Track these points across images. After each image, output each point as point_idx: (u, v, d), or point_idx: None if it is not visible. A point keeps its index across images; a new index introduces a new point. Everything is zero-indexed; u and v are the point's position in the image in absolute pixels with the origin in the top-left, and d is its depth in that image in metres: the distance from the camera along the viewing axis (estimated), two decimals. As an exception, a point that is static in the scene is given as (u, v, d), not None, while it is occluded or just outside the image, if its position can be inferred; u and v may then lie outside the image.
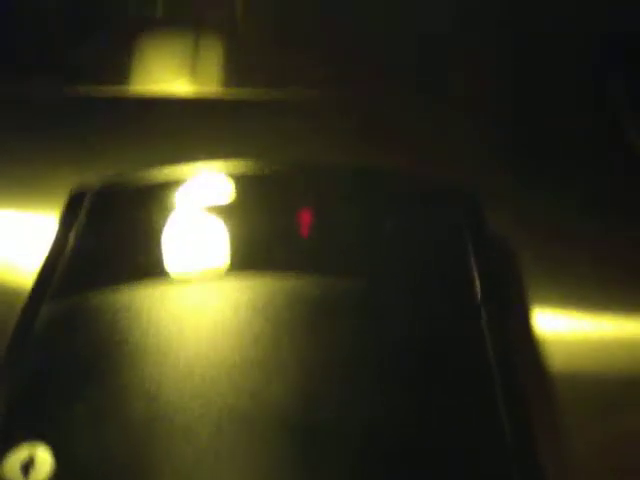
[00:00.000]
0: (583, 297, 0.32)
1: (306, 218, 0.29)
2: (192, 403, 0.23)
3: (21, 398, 0.24)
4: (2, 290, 0.32)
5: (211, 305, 0.26)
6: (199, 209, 0.30)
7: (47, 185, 0.37)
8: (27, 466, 0.22)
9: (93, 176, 0.36)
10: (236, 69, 0.46)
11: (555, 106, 0.42)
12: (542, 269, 0.33)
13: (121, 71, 0.45)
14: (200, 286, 0.27)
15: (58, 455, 0.22)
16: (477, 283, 0.28)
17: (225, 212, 0.30)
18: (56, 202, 0.34)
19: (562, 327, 0.31)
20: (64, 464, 0.22)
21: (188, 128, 0.41)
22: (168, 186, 0.31)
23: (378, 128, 0.40)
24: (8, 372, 0.25)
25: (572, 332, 0.31)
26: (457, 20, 0.47)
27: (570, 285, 0.32)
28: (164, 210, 0.30)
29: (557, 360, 0.30)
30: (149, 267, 0.28)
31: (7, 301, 0.31)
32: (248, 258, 0.28)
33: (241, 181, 0.31)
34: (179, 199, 0.31)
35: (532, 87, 0.43)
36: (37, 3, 0.49)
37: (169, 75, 0.46)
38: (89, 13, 0.49)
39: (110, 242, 0.30)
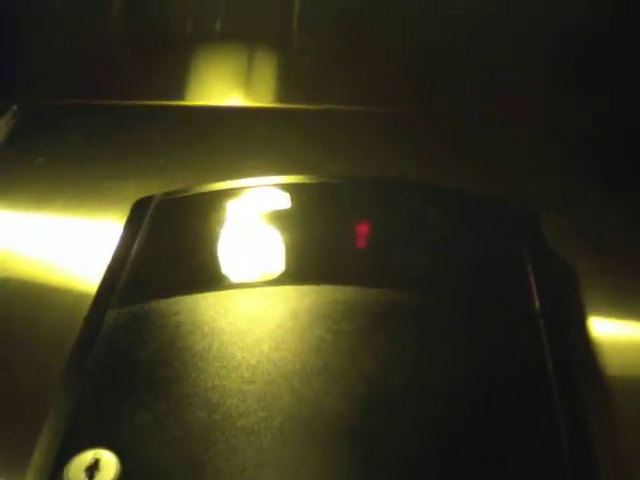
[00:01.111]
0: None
1: (366, 230, 0.29)
2: (254, 409, 0.23)
3: (86, 403, 0.25)
4: (67, 295, 0.33)
5: (272, 313, 0.26)
6: (259, 219, 0.30)
7: (113, 194, 0.38)
8: (92, 470, 0.23)
9: (156, 185, 0.38)
10: (291, 84, 0.47)
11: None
12: (598, 282, 0.32)
13: (181, 86, 0.46)
14: (261, 294, 0.27)
15: (123, 460, 0.23)
16: (536, 296, 0.28)
17: (285, 222, 0.30)
18: (121, 211, 0.35)
19: (618, 335, 0.31)
20: (128, 469, 0.23)
21: (243, 140, 0.42)
22: (229, 197, 0.32)
23: (430, 144, 0.41)
24: (73, 378, 0.25)
25: (628, 340, 0.31)
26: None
27: (625, 296, 0.32)
28: (225, 219, 0.31)
29: (614, 367, 0.29)
30: (211, 275, 0.28)
31: (73, 305, 0.31)
32: (308, 268, 0.28)
33: (300, 193, 0.31)
34: (240, 210, 0.31)
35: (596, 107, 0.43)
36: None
37: (227, 90, 0.46)
38: (150, 30, 0.50)
39: (172, 250, 0.30)
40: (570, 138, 0.40)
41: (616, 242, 0.34)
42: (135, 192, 0.37)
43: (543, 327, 0.26)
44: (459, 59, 0.46)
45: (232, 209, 0.31)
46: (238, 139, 0.41)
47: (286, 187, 0.32)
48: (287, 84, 0.47)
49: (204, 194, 0.32)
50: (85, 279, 0.34)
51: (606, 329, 0.31)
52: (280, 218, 0.30)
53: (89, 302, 0.29)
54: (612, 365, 0.29)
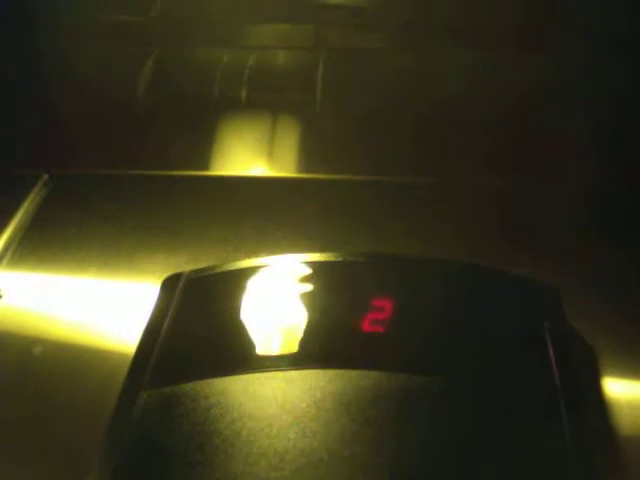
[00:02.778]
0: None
1: (388, 312, 0.30)
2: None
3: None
4: (100, 372, 0.34)
5: (299, 398, 0.27)
6: (286, 298, 0.31)
7: (144, 266, 0.39)
8: None
9: (184, 259, 0.39)
10: (314, 154, 0.48)
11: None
12: (617, 361, 0.33)
13: (207, 156, 0.48)
14: (288, 378, 0.28)
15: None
16: (557, 377, 0.28)
17: (310, 302, 0.31)
18: (150, 285, 0.36)
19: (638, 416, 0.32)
20: None
21: (268, 211, 0.43)
22: (256, 275, 0.33)
23: (455, 217, 0.42)
24: (106, 461, 0.26)
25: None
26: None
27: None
28: (253, 298, 0.32)
29: (633, 448, 0.30)
30: (239, 357, 0.29)
31: (105, 383, 0.32)
32: (332, 350, 0.29)
33: (325, 271, 0.32)
34: (267, 288, 0.32)
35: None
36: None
37: (250, 159, 0.48)
38: (176, 98, 0.52)
39: (200, 330, 0.31)
40: (587, 212, 0.41)
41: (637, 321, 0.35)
42: (164, 265, 0.39)
43: (564, 409, 0.27)
44: (483, 130, 0.47)
45: (259, 288, 0.32)
46: (262, 210, 0.43)
47: (311, 265, 0.33)
48: (310, 154, 0.48)
49: (231, 272, 0.33)
50: (118, 349, 0.35)
51: (625, 410, 0.31)
52: (305, 298, 0.31)
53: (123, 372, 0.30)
54: (631, 447, 0.30)
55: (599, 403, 0.31)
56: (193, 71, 0.53)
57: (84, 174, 0.46)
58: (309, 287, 0.32)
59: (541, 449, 0.26)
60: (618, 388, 0.32)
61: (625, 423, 0.31)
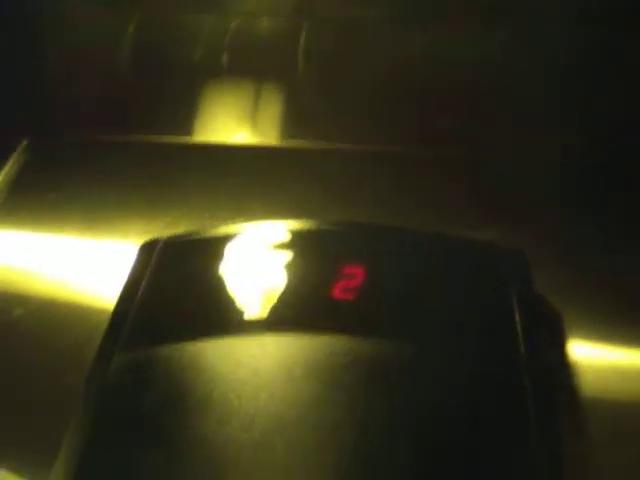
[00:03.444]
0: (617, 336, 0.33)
1: (357, 278, 0.31)
2: (250, 458, 0.25)
3: (92, 449, 0.26)
4: (75, 336, 0.34)
5: (270, 362, 0.28)
6: (261, 266, 0.32)
7: (122, 231, 0.40)
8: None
9: (163, 224, 0.39)
10: (296, 121, 0.48)
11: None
12: (586, 327, 0.34)
13: (187, 122, 0.48)
14: (261, 342, 0.29)
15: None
16: (522, 344, 0.29)
17: (284, 270, 0.32)
18: (127, 249, 0.37)
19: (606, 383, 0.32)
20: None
21: (249, 179, 0.43)
22: (233, 242, 0.33)
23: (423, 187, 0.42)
24: (82, 421, 0.27)
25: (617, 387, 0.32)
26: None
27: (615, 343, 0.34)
28: (229, 265, 0.32)
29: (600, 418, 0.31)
30: (213, 321, 0.30)
31: (83, 344, 0.33)
32: (307, 316, 0.30)
33: (300, 240, 0.33)
34: (243, 255, 0.33)
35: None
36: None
37: (230, 126, 0.48)
38: (158, 63, 0.51)
39: (175, 295, 0.32)
40: (571, 183, 0.41)
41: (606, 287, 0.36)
42: (142, 231, 0.39)
43: (528, 385, 0.28)
44: (479, 99, 0.47)
45: (233, 254, 0.33)
46: (241, 177, 0.43)
47: (285, 232, 0.33)
48: (294, 121, 0.48)
49: (206, 239, 0.34)
50: (96, 311, 0.36)
51: (591, 377, 0.32)
52: (278, 264, 0.32)
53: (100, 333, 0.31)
54: (598, 416, 0.31)
55: (566, 371, 0.32)
56: (175, 36, 0.53)
57: (63, 140, 0.46)
58: (282, 254, 0.32)
59: (504, 418, 0.27)
60: (586, 355, 0.33)
61: (592, 390, 0.32)
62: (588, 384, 0.32)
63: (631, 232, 0.39)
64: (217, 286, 0.31)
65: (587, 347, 0.33)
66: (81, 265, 0.38)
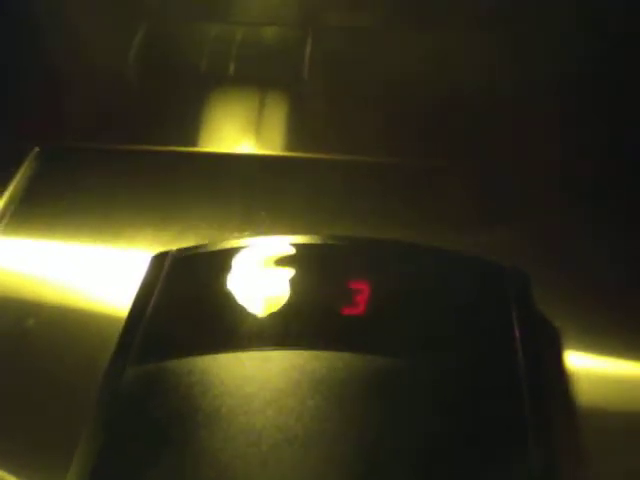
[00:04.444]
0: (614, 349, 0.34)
1: (362, 294, 0.32)
2: (258, 473, 0.26)
3: (103, 460, 0.27)
4: (87, 347, 0.35)
5: (277, 377, 0.29)
6: (270, 280, 0.33)
7: (131, 243, 0.40)
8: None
9: (171, 235, 0.40)
10: (301, 130, 0.49)
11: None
12: (586, 345, 0.35)
13: (191, 132, 0.48)
14: (268, 358, 0.29)
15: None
16: (521, 362, 0.30)
17: (289, 285, 0.32)
18: (137, 261, 0.38)
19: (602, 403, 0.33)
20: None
21: (255, 189, 0.44)
22: (242, 255, 0.34)
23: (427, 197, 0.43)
24: (94, 434, 0.28)
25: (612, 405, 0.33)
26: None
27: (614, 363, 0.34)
28: (238, 278, 0.33)
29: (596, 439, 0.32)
30: (221, 336, 0.31)
31: (92, 357, 0.34)
32: (313, 332, 0.30)
33: (307, 255, 0.34)
34: (247, 270, 0.33)
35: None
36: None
37: (237, 136, 0.49)
38: (164, 73, 0.52)
39: (185, 308, 0.33)
40: (571, 197, 0.42)
41: (608, 305, 0.36)
42: (151, 242, 0.40)
43: (526, 398, 0.29)
44: (480, 115, 0.48)
45: (241, 269, 0.33)
46: (248, 188, 0.44)
47: (292, 247, 0.34)
48: (300, 131, 0.49)
49: (215, 252, 0.35)
50: (106, 324, 0.36)
51: (590, 395, 0.33)
52: (286, 279, 0.33)
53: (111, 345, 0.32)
54: (596, 433, 0.31)
55: (564, 388, 0.33)
56: (181, 45, 0.54)
57: (75, 148, 0.47)
58: (290, 269, 0.33)
59: (503, 435, 0.28)
60: (584, 372, 0.34)
61: (589, 408, 0.33)
62: (585, 396, 0.33)
63: (629, 246, 0.39)
64: (226, 300, 0.32)
65: (584, 359, 0.34)
66: (92, 275, 0.39)
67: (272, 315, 0.31)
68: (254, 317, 0.31)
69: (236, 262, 0.34)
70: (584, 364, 0.34)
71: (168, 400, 0.29)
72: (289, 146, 0.48)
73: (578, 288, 0.37)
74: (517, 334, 0.31)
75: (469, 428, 0.28)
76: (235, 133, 0.49)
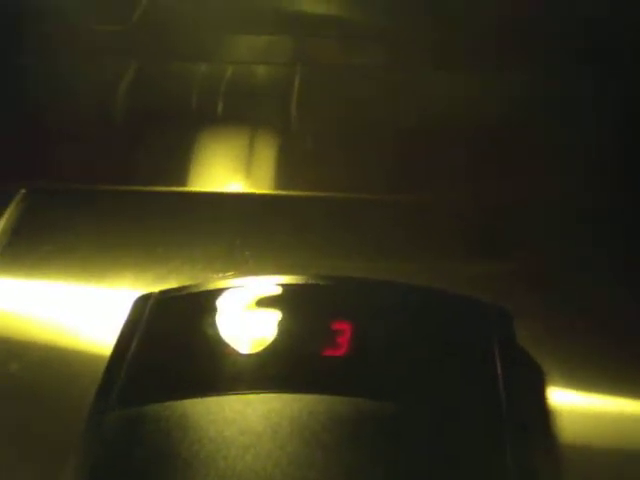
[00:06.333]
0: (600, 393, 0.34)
1: (345, 334, 0.32)
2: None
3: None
4: (71, 391, 0.35)
5: (257, 421, 0.28)
6: (253, 321, 0.33)
7: (115, 285, 0.40)
8: None
9: (156, 276, 0.40)
10: (289, 169, 0.49)
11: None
12: (567, 385, 0.35)
13: (178, 171, 0.49)
14: (248, 402, 0.29)
15: None
16: (503, 402, 0.30)
17: (271, 326, 0.32)
18: (119, 304, 0.37)
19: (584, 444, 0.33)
20: None
21: (242, 228, 0.44)
22: (225, 296, 0.34)
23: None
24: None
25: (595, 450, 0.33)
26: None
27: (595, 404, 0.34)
28: (220, 320, 0.33)
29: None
30: (202, 380, 0.31)
31: (78, 398, 0.33)
32: (295, 375, 0.30)
33: (289, 296, 0.34)
34: (228, 311, 0.33)
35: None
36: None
37: (224, 175, 0.49)
38: (153, 113, 0.53)
39: (167, 351, 0.33)
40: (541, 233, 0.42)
41: (587, 346, 0.36)
42: (134, 284, 0.40)
43: (508, 437, 0.29)
44: (465, 148, 0.48)
45: (222, 310, 0.33)
46: (233, 227, 0.44)
47: (274, 288, 0.34)
48: (288, 170, 0.49)
49: (196, 294, 0.35)
50: (87, 369, 0.36)
51: (571, 434, 0.33)
52: (267, 321, 0.33)
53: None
54: (576, 474, 0.31)
55: (546, 425, 0.33)
56: (170, 84, 0.54)
57: (61, 189, 0.47)
58: (273, 310, 0.33)
59: (486, 475, 0.28)
60: (567, 409, 0.34)
61: (571, 445, 0.32)
62: (567, 433, 0.33)
63: (613, 282, 0.39)
64: (206, 343, 0.32)
65: (567, 397, 0.34)
66: (76, 316, 0.39)
67: (253, 357, 0.31)
68: (235, 360, 0.31)
69: (218, 304, 0.34)
70: (566, 401, 0.34)
71: (149, 445, 0.28)
72: (275, 184, 0.48)
73: (561, 324, 0.37)
74: (500, 372, 0.31)
75: (452, 469, 0.28)
76: (222, 172, 0.49)
